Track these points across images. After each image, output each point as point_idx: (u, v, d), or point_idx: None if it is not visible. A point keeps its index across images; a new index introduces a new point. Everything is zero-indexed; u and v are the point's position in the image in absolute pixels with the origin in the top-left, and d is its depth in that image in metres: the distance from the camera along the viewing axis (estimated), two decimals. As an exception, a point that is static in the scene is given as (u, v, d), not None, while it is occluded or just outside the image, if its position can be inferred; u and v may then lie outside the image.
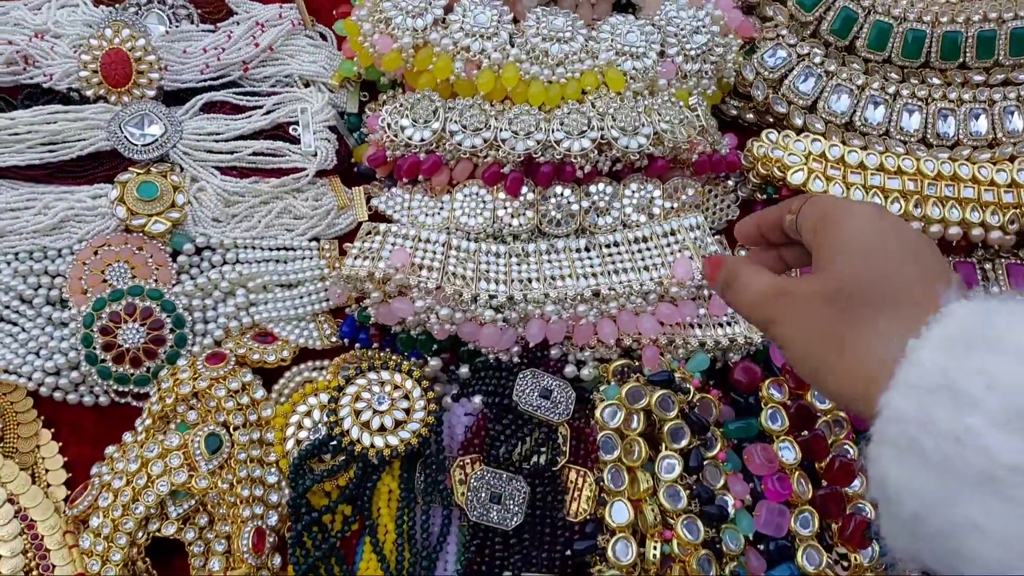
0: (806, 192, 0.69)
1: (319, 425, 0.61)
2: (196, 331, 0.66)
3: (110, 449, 0.62)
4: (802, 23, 0.76)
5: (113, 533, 0.57)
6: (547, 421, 0.62)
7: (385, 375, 0.62)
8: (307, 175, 0.69)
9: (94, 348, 0.63)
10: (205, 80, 0.72)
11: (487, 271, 0.65)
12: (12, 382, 0.63)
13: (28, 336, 0.64)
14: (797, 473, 0.61)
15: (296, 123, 0.71)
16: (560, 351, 0.66)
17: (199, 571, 0.58)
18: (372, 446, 0.59)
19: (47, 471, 0.63)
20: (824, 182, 0.69)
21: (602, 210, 0.68)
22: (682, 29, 0.70)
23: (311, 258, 0.69)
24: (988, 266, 0.72)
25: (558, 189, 0.68)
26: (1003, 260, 0.72)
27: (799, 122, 0.74)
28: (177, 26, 0.73)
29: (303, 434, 0.61)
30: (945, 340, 0.34)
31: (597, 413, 0.62)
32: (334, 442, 0.59)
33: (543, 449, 0.62)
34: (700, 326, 0.66)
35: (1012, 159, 0.72)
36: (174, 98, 0.71)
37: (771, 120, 0.76)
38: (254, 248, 0.68)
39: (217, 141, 0.69)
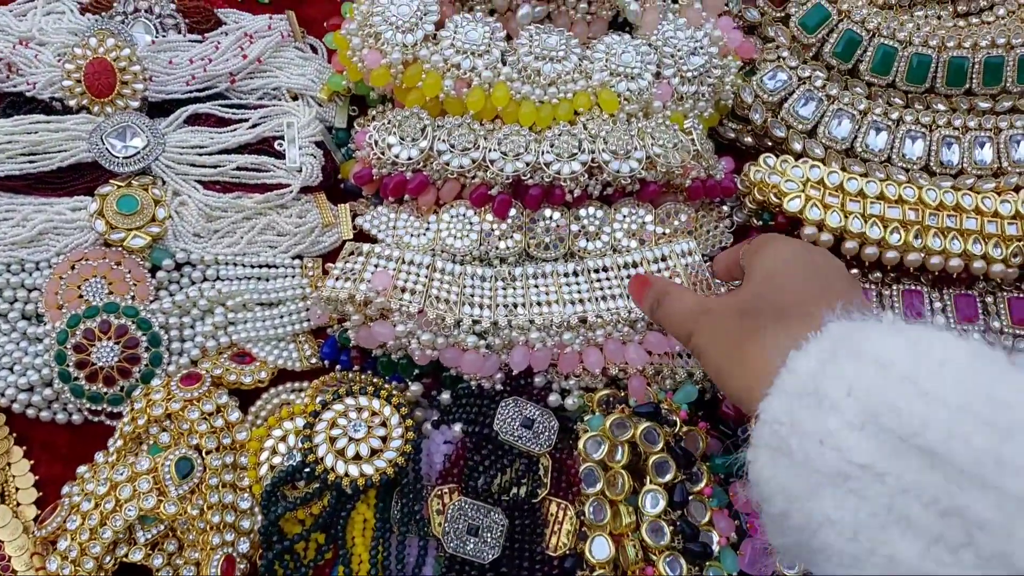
0: (802, 220, 0.67)
1: (294, 451, 0.59)
2: (172, 350, 0.64)
3: (82, 469, 0.60)
4: (804, 45, 0.74)
5: (80, 557, 0.56)
6: (528, 452, 0.61)
7: (363, 400, 0.60)
8: (291, 191, 0.68)
9: (67, 366, 0.61)
10: (191, 92, 0.70)
11: (471, 295, 0.63)
12: (-16, 398, 0.62)
13: (2, 351, 0.63)
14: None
15: (282, 137, 0.70)
16: (544, 379, 0.64)
17: (166, 598, 0.57)
18: (346, 475, 0.57)
19: (17, 489, 0.61)
20: (822, 210, 0.67)
21: (592, 234, 0.66)
22: (679, 50, 0.69)
23: (294, 276, 0.67)
24: (989, 299, 0.70)
25: (547, 212, 0.66)
26: (1005, 294, 0.69)
27: (798, 147, 0.72)
28: (164, 36, 0.72)
29: (277, 459, 0.60)
30: (819, 352, 0.38)
31: (580, 444, 0.60)
32: (308, 469, 0.58)
33: (524, 480, 0.60)
34: (688, 355, 0.65)
35: (1017, 189, 0.70)
36: (159, 109, 0.70)
37: (769, 144, 0.74)
38: (235, 265, 0.67)
39: (200, 154, 0.68)
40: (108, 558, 0.57)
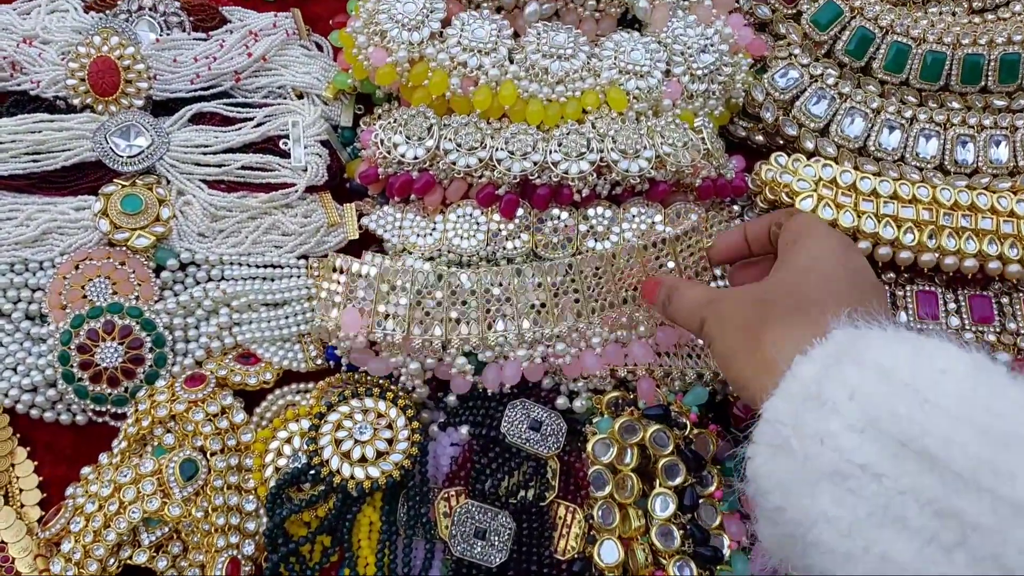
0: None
1: (299, 453, 0.59)
2: (177, 351, 0.64)
3: (86, 470, 0.60)
4: (816, 42, 0.73)
5: (84, 559, 0.56)
6: (536, 454, 0.60)
7: (369, 403, 0.60)
8: (297, 191, 0.67)
9: (71, 366, 0.61)
10: (195, 90, 0.70)
11: (458, 311, 0.61)
12: (-12, 399, 0.61)
13: (5, 351, 0.62)
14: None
15: (287, 136, 0.69)
16: (552, 381, 0.63)
17: (171, 601, 0.57)
18: (352, 477, 0.57)
19: (21, 491, 0.61)
20: (834, 209, 0.66)
21: (601, 235, 0.65)
22: (689, 47, 0.68)
23: (299, 276, 0.67)
24: (1005, 300, 0.69)
25: (555, 212, 0.65)
26: (1021, 295, 0.68)
27: (810, 146, 0.71)
28: (168, 34, 0.71)
29: (282, 461, 0.59)
30: (823, 357, 0.39)
31: (589, 447, 0.60)
32: (313, 471, 0.57)
33: (531, 483, 0.60)
34: (698, 356, 0.64)
35: (1033, 189, 0.69)
36: (163, 108, 0.69)
37: (781, 142, 0.73)
38: (240, 265, 0.66)
39: (205, 154, 0.67)
40: (112, 560, 0.56)
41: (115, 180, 0.66)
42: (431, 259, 0.65)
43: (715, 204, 0.69)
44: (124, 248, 0.64)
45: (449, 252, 0.64)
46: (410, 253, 0.65)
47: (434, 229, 0.66)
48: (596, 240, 0.65)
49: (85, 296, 0.63)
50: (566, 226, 0.65)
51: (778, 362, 0.41)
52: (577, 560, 0.58)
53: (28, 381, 0.62)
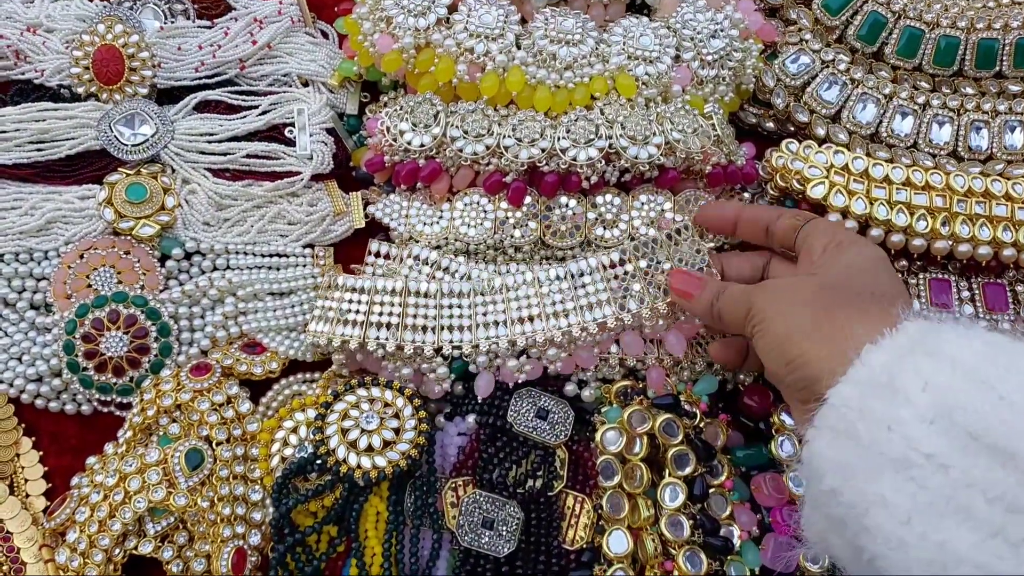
0: (827, 207, 0.65)
1: (305, 442, 0.58)
2: (182, 340, 0.63)
3: (91, 460, 0.60)
4: (827, 28, 0.72)
5: (89, 549, 0.55)
6: (543, 443, 0.60)
7: (375, 392, 0.59)
8: (302, 179, 0.67)
9: (76, 356, 0.61)
10: (200, 78, 0.69)
11: (450, 316, 0.60)
12: (-7, 388, 0.61)
13: (11, 341, 0.62)
14: (807, 505, 0.58)
15: (292, 124, 0.68)
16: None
17: (177, 591, 0.56)
18: (358, 467, 0.56)
19: (26, 481, 0.61)
20: (846, 196, 0.65)
21: (609, 223, 0.64)
22: (699, 33, 0.67)
23: (305, 265, 0.66)
24: (1020, 288, 0.68)
25: (563, 200, 0.64)
26: (1036, 283, 0.67)
27: (821, 132, 0.70)
28: (172, 22, 0.71)
29: (289, 451, 0.59)
30: (894, 348, 0.40)
31: (598, 436, 0.59)
32: (319, 461, 0.57)
33: (539, 473, 0.59)
34: (708, 343, 0.63)
35: (1049, 175, 0.68)
36: (168, 96, 0.69)
37: (792, 129, 0.72)
38: (246, 254, 0.66)
39: (210, 142, 0.67)
40: (117, 550, 0.56)
41: (120, 169, 0.65)
42: (438, 247, 0.64)
43: (725, 191, 0.68)
44: (129, 237, 0.64)
45: (456, 240, 0.64)
46: (416, 241, 0.65)
47: (441, 217, 0.65)
48: (605, 228, 0.64)
49: (90, 285, 0.63)
50: (574, 214, 0.64)
51: (846, 349, 0.42)
52: (586, 550, 0.58)
53: (33, 371, 0.61)
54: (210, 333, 0.64)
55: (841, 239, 0.53)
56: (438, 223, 0.65)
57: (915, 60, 0.71)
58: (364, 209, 0.68)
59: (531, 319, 0.60)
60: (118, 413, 0.62)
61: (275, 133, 0.69)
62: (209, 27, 0.71)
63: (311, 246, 0.67)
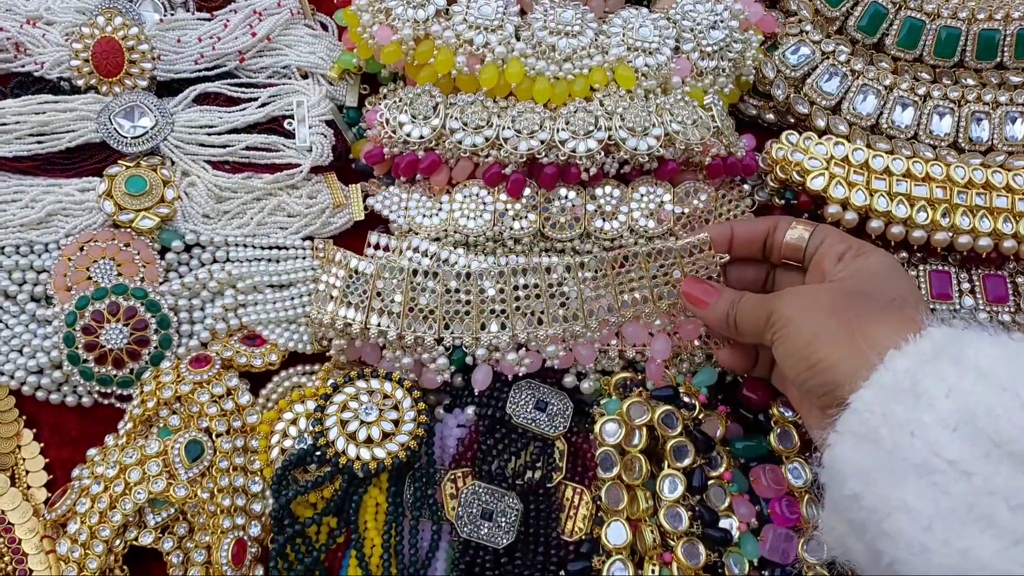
0: (827, 198, 0.65)
1: (305, 434, 0.58)
2: (182, 332, 0.63)
3: (92, 451, 0.60)
4: (828, 19, 0.72)
5: (90, 540, 0.56)
6: (542, 435, 0.60)
7: (375, 383, 0.59)
8: (302, 171, 0.67)
9: (76, 348, 0.61)
10: (199, 70, 0.69)
11: (452, 307, 0.60)
12: (-6, 380, 0.61)
13: (11, 333, 0.62)
14: (807, 497, 0.58)
15: (292, 117, 0.68)
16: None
17: (177, 582, 0.57)
18: (358, 458, 0.56)
19: (27, 472, 0.61)
20: (846, 188, 0.65)
21: (609, 214, 0.64)
22: (698, 24, 0.67)
23: (304, 258, 0.66)
24: (1021, 280, 0.68)
25: (562, 192, 0.64)
26: (1036, 274, 0.67)
27: (822, 123, 0.70)
28: (172, 14, 0.71)
29: (288, 443, 0.59)
30: (918, 353, 0.40)
31: (596, 428, 0.59)
32: (319, 452, 0.57)
33: (538, 464, 0.59)
34: (707, 337, 0.63)
35: (1050, 166, 0.67)
36: (167, 88, 0.69)
37: (792, 120, 0.72)
38: (245, 246, 0.66)
39: (210, 134, 0.67)
40: (118, 541, 0.56)
41: (119, 161, 0.66)
42: (437, 239, 0.64)
43: (725, 183, 0.68)
44: (129, 229, 0.64)
45: (455, 232, 0.64)
46: (416, 234, 0.65)
47: (440, 209, 0.65)
48: (604, 220, 0.64)
49: (90, 278, 0.63)
50: (573, 206, 0.64)
51: (869, 354, 0.42)
52: (584, 541, 0.58)
53: (34, 363, 0.62)
54: (210, 325, 0.64)
55: (858, 247, 0.53)
56: (437, 215, 0.65)
57: (916, 51, 0.70)
58: (363, 201, 0.68)
59: (533, 313, 0.60)
60: (118, 405, 0.63)
61: (274, 125, 0.69)
62: (208, 19, 0.71)
63: (311, 238, 0.67)
